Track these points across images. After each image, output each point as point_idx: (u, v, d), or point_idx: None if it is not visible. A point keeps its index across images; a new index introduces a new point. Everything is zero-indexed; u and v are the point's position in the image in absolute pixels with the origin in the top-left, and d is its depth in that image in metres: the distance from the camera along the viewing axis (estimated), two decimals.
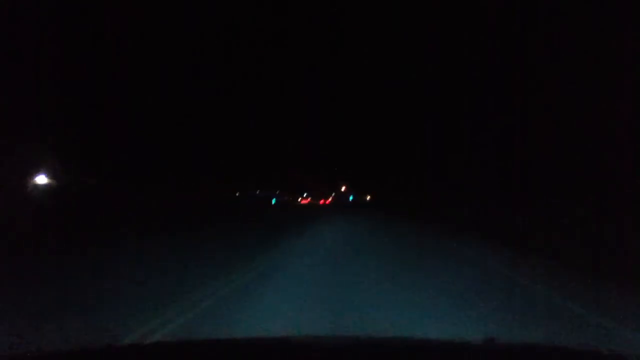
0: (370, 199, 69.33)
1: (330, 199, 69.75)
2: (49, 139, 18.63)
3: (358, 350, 1.68)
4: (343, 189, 76.72)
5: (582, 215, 12.93)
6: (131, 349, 1.70)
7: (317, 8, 55.00)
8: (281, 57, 57.35)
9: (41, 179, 18.82)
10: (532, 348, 1.74)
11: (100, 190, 21.02)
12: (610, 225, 11.00)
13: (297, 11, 54.90)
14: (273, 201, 54.77)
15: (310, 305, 5.34)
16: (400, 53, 47.93)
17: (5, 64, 16.99)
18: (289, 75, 60.40)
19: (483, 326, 4.50)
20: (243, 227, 18.03)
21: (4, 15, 16.86)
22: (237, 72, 46.62)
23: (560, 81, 16.36)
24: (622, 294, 6.06)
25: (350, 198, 72.02)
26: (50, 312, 5.02)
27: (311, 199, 69.37)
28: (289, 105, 60.18)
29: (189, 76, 32.13)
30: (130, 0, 25.58)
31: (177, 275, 7.30)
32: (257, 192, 52.68)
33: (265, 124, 51.38)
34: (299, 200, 67.97)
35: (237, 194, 48.66)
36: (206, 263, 8.63)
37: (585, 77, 14.59)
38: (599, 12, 13.94)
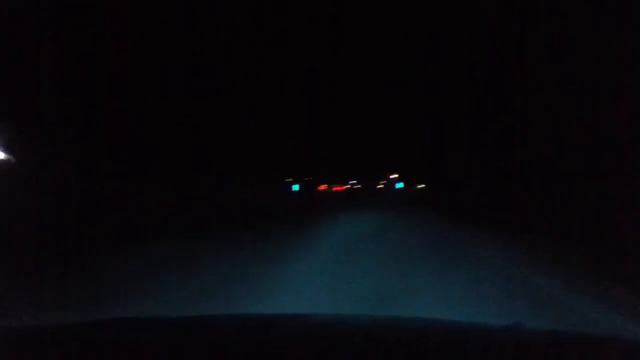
0: (422, 190, 53.78)
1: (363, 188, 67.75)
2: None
3: (377, 331, 1.65)
4: (395, 176, 73.10)
5: (582, 214, 12.93)
6: (121, 323, 1.68)
7: (317, 8, 55.01)
8: (281, 57, 57.30)
9: None
10: (563, 335, 1.70)
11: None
12: (610, 225, 11.00)
13: (297, 11, 54.90)
14: (295, 187, 53.53)
15: None
16: (400, 53, 47.96)
17: (6, 64, 16.97)
18: (289, 75, 60.29)
19: None
20: None
21: (4, 15, 16.85)
22: (237, 72, 46.58)
23: (560, 81, 16.37)
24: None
25: (398, 186, 66.95)
26: None
27: (327, 187, 68.17)
28: (289, 105, 60.14)
29: (189, 76, 32.11)
30: (130, 0, 25.56)
31: None
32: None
33: (265, 124, 51.33)
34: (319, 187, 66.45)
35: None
36: None
37: (585, 77, 14.59)
38: (599, 12, 13.94)
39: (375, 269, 8.14)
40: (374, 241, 12.10)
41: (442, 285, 6.62)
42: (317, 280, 7.24)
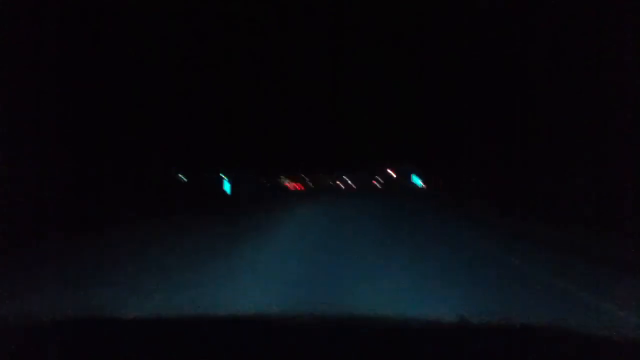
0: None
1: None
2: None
3: (326, 327, 1.69)
4: (391, 172, 59.15)
5: (582, 215, 12.93)
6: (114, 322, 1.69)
7: (317, 8, 55.11)
8: (281, 56, 57.24)
9: None
10: (508, 329, 1.76)
11: None
12: (609, 225, 11.00)
13: (297, 11, 54.97)
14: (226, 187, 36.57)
15: None
16: (400, 53, 48.08)
17: (5, 64, 16.96)
18: (288, 75, 60.24)
19: None
20: None
21: (4, 15, 16.83)
22: (237, 72, 46.57)
23: (560, 81, 16.36)
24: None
25: (419, 183, 52.43)
26: None
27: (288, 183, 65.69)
28: (289, 105, 60.14)
29: (189, 76, 32.08)
30: (130, 0, 25.51)
31: None
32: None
33: (265, 124, 51.32)
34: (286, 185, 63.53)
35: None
36: None
37: (585, 77, 14.58)
38: (598, 12, 13.95)
39: None
40: None
41: None
42: None
